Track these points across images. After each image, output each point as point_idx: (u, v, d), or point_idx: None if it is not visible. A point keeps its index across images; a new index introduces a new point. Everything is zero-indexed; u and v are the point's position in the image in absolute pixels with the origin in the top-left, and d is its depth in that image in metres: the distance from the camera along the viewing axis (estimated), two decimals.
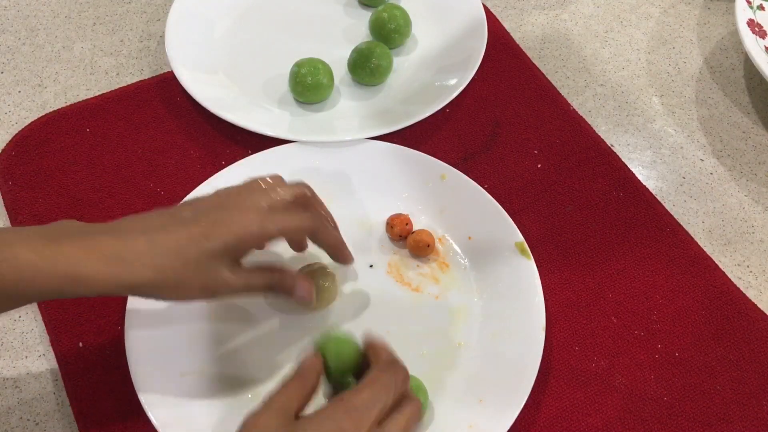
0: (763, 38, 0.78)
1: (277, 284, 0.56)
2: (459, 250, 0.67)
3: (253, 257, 0.57)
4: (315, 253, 0.62)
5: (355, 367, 0.51)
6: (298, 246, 0.62)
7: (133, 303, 0.61)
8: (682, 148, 0.77)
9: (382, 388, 0.47)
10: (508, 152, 0.75)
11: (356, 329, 0.58)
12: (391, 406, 0.47)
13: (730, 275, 0.68)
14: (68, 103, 0.78)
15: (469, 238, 0.67)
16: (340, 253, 0.60)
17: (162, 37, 0.83)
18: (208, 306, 0.63)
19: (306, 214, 0.57)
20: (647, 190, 0.73)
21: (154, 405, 0.57)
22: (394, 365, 0.49)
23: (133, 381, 0.57)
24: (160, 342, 0.60)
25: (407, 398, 0.49)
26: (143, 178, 0.72)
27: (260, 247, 0.57)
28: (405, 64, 0.81)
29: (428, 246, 0.66)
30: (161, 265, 0.50)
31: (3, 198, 0.71)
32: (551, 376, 0.62)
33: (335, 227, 0.61)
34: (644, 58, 0.85)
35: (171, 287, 0.51)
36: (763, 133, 0.78)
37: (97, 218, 0.69)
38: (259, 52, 0.82)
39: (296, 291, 0.57)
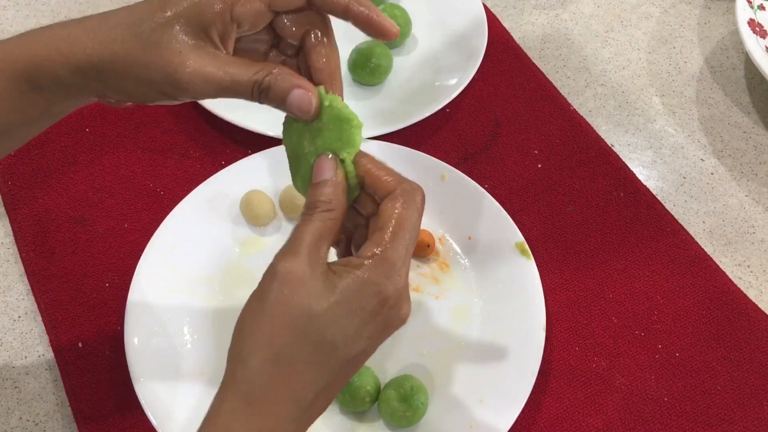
0: (764, 38, 0.78)
1: (265, 83, 0.43)
2: (459, 250, 0.67)
3: None
4: None
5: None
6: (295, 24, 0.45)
7: (133, 303, 0.61)
8: (682, 147, 0.77)
9: (413, 230, 0.42)
10: (508, 152, 0.75)
11: None
12: None
13: (730, 275, 0.68)
14: None
15: (469, 238, 0.67)
16: (365, 15, 0.44)
17: None
18: (208, 306, 0.63)
19: None
20: (647, 190, 0.73)
21: (154, 405, 0.57)
22: (413, 192, 0.43)
23: (133, 381, 0.57)
24: (160, 342, 0.60)
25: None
26: (143, 178, 0.72)
27: (235, 19, 0.43)
28: (405, 64, 0.81)
29: (428, 246, 0.66)
30: (110, 37, 0.42)
31: (3, 198, 0.71)
32: (551, 376, 0.62)
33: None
34: (645, 57, 0.85)
35: (121, 66, 0.42)
36: (764, 133, 0.78)
37: (97, 218, 0.69)
38: None
39: (290, 97, 0.43)
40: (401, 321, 0.42)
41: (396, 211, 0.42)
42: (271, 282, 0.40)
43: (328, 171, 0.43)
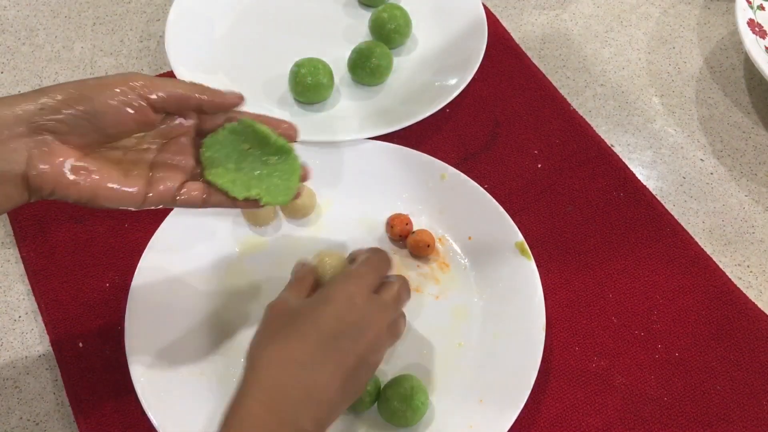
0: (764, 38, 0.78)
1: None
2: (459, 250, 0.67)
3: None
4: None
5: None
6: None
7: (133, 303, 0.61)
8: (682, 148, 0.77)
9: (370, 264, 0.56)
10: (508, 152, 0.75)
11: None
12: (380, 282, 0.55)
13: (730, 275, 0.68)
14: None
15: (469, 238, 0.67)
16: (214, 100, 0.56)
17: (162, 37, 0.83)
18: (208, 306, 0.63)
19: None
20: (647, 190, 0.73)
21: (154, 405, 0.57)
22: (374, 251, 0.58)
23: (133, 381, 0.57)
24: (160, 342, 0.60)
25: (394, 276, 0.57)
26: None
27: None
28: (405, 64, 0.81)
29: (428, 246, 0.66)
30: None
31: None
32: (551, 376, 0.62)
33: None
34: (644, 58, 0.85)
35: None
36: (764, 133, 0.78)
37: (97, 218, 0.69)
38: (259, 52, 0.82)
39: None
40: (361, 277, 0.54)
41: (359, 259, 0.56)
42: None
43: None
